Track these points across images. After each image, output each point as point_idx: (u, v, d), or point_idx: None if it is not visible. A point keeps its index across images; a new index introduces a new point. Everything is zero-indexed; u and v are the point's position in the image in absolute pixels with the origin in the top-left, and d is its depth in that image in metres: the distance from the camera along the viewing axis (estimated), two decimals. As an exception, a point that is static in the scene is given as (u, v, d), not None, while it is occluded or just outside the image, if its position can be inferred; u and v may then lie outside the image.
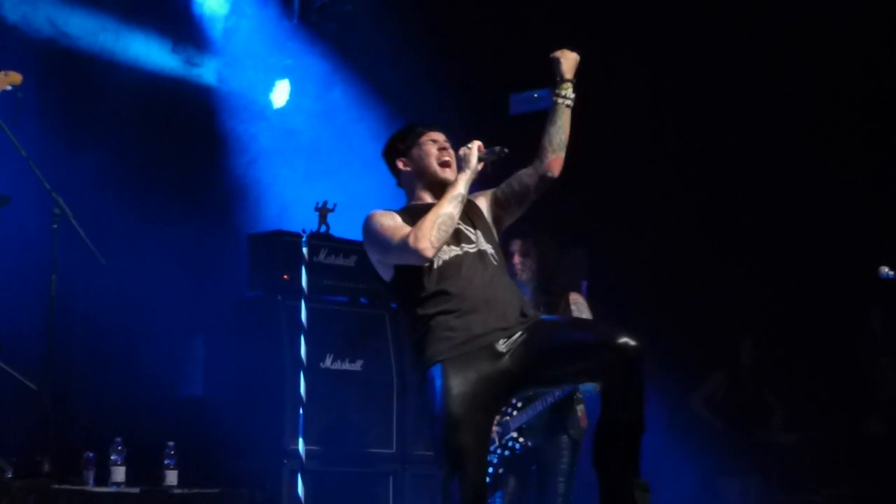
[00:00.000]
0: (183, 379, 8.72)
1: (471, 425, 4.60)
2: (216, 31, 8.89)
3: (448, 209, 4.74)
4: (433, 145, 4.97)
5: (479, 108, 8.62)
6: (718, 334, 7.85)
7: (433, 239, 4.68)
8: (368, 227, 4.86)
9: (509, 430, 6.55)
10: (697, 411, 8.17)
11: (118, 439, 6.84)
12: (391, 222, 4.82)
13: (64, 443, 7.00)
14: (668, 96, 8.21)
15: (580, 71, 4.91)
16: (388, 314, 8.04)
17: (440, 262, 4.79)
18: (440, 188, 4.88)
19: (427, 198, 4.94)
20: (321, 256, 7.93)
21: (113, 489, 6.66)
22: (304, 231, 7.64)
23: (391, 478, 7.81)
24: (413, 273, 4.79)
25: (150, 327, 8.32)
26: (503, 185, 5.06)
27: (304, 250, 7.57)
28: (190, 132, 8.78)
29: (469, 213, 4.97)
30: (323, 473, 7.54)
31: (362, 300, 8.11)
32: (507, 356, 4.68)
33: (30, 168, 6.80)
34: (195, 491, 6.72)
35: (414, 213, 4.86)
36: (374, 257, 4.91)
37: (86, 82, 8.43)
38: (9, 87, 6.57)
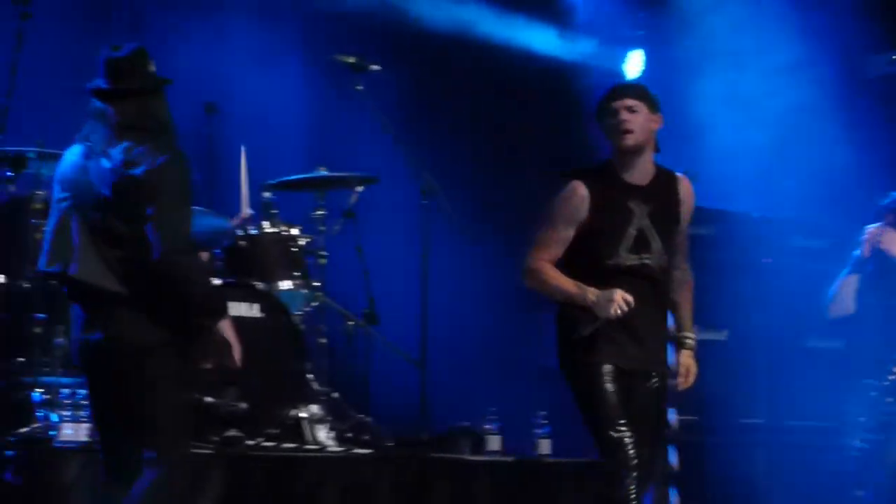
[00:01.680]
0: (549, 350, 8.80)
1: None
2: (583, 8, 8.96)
3: (556, 294, 4.90)
4: (615, 116, 4.94)
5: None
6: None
7: (530, 284, 4.95)
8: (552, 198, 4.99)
9: (890, 393, 6.29)
10: None
11: (492, 409, 7.00)
12: (557, 222, 4.91)
13: (439, 413, 7.22)
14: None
15: None
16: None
17: (619, 266, 4.90)
18: (627, 157, 4.95)
19: (620, 169, 4.97)
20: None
21: (488, 458, 6.81)
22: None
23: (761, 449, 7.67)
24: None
25: (510, 299, 8.44)
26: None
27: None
28: (548, 109, 8.86)
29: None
30: (695, 444, 7.48)
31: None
32: (643, 392, 4.97)
33: (395, 148, 7.07)
34: (567, 460, 6.80)
35: (605, 187, 4.93)
36: None
37: (436, 64, 8.65)
38: None
